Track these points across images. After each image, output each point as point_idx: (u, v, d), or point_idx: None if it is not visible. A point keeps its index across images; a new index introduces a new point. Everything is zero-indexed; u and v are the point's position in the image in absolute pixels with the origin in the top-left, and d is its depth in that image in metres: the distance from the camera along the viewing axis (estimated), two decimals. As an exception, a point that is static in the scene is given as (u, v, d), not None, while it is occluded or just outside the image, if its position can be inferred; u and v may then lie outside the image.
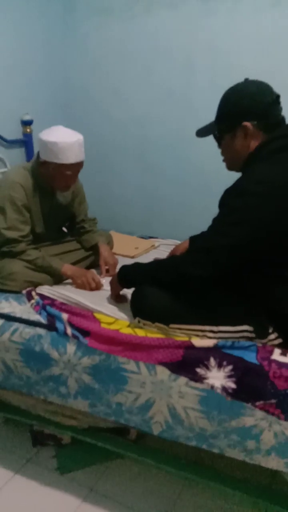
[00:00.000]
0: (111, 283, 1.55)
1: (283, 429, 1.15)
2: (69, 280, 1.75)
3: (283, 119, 1.29)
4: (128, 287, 1.47)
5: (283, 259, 1.23)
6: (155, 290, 1.32)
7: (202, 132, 1.39)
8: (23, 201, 1.70)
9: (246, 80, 1.31)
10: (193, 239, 1.65)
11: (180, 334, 1.29)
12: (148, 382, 1.25)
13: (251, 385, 1.16)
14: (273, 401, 1.14)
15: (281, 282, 1.24)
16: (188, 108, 2.49)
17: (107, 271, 1.85)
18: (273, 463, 1.19)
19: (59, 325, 1.38)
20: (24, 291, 1.61)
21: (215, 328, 1.28)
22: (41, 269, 1.70)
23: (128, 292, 1.48)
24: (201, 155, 2.46)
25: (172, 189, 2.72)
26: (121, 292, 1.54)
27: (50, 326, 1.40)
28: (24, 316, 1.45)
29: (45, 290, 1.63)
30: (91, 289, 1.68)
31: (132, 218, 2.88)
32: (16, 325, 1.44)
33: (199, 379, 1.20)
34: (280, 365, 1.17)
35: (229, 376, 1.18)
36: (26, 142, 2.55)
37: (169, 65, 2.48)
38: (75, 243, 2.00)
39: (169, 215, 2.78)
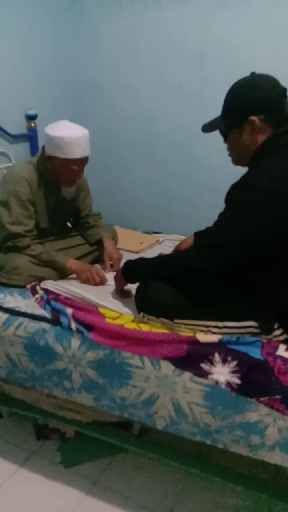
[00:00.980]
0: (116, 278, 1.54)
1: (288, 425, 1.15)
2: (74, 275, 1.75)
3: None
4: (133, 282, 1.47)
5: None
6: (159, 285, 1.31)
7: (208, 127, 1.37)
8: (28, 196, 1.70)
9: (253, 74, 1.29)
10: (197, 235, 1.64)
11: (185, 329, 1.29)
12: (153, 377, 1.25)
13: (256, 380, 1.16)
14: (277, 396, 1.14)
15: (287, 278, 1.24)
16: (199, 103, 2.47)
17: (112, 266, 1.85)
18: (277, 458, 1.19)
19: (63, 320, 1.39)
20: (28, 286, 1.61)
21: (220, 324, 1.27)
22: (46, 263, 1.70)
23: (132, 287, 1.48)
24: (211, 151, 2.44)
25: (181, 185, 2.70)
26: (126, 287, 1.54)
27: (55, 320, 1.40)
28: (29, 311, 1.46)
29: (49, 284, 1.63)
30: (96, 284, 1.68)
31: (140, 213, 2.87)
32: (20, 319, 1.44)
33: (204, 374, 1.20)
34: (285, 360, 1.17)
35: (234, 372, 1.18)
36: (30, 137, 2.55)
37: (180, 59, 2.46)
38: (79, 238, 2.00)
39: (177, 211, 2.76)
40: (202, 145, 2.48)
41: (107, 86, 2.74)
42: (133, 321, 1.35)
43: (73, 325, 1.36)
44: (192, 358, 1.22)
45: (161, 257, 1.49)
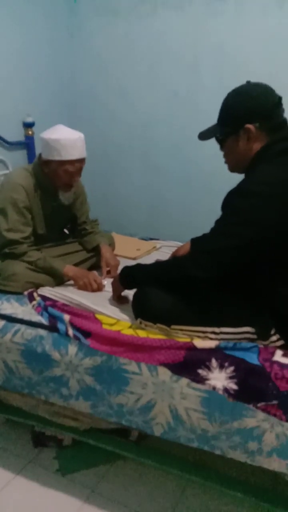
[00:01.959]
0: (113, 284, 1.55)
1: (285, 431, 1.15)
2: (71, 281, 1.75)
3: (285, 121, 1.29)
4: (130, 288, 1.47)
5: (287, 260, 1.22)
6: (157, 291, 1.32)
7: (204, 135, 1.39)
8: (25, 203, 1.71)
9: (248, 82, 1.31)
10: (194, 241, 1.65)
11: (182, 335, 1.29)
12: (150, 383, 1.25)
13: (253, 386, 1.16)
14: (274, 402, 1.14)
15: (285, 283, 1.24)
16: (193, 109, 2.49)
17: (109, 272, 1.85)
18: (275, 464, 1.19)
19: (60, 326, 1.39)
20: (25, 292, 1.61)
21: (217, 330, 1.27)
22: (43, 270, 1.70)
23: (129, 293, 1.48)
24: (206, 157, 2.46)
25: (177, 191, 2.72)
26: (123, 293, 1.54)
27: (52, 327, 1.40)
28: (26, 317, 1.46)
29: (46, 291, 1.63)
30: (93, 290, 1.68)
31: (136, 219, 2.88)
32: (17, 326, 1.44)
33: (201, 380, 1.20)
34: (282, 366, 1.17)
35: (231, 377, 1.18)
36: (28, 144, 2.56)
37: (174, 66, 2.48)
38: (76, 244, 2.00)
39: (173, 216, 2.77)
40: (198, 151, 2.50)
41: (103, 93, 2.77)
42: (130, 327, 1.35)
43: (70, 332, 1.36)
44: (189, 364, 1.22)
45: (158, 263, 1.49)
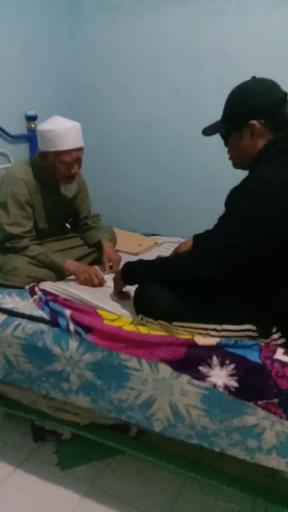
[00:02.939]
0: (115, 279, 1.54)
1: (285, 429, 1.14)
2: (72, 276, 1.75)
3: None
4: (132, 284, 1.47)
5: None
6: (158, 287, 1.31)
7: (208, 131, 1.38)
8: (26, 197, 1.70)
9: (254, 78, 1.29)
10: (197, 238, 1.64)
11: (183, 332, 1.29)
12: (150, 380, 1.25)
13: (254, 384, 1.16)
14: (275, 400, 1.14)
15: (286, 283, 1.24)
16: (195, 108, 2.48)
17: (110, 267, 1.85)
18: (274, 462, 1.19)
19: (61, 321, 1.38)
20: (27, 287, 1.61)
21: (218, 327, 1.27)
22: (44, 265, 1.69)
23: (131, 289, 1.48)
24: (207, 155, 2.46)
25: (177, 189, 2.71)
26: (125, 289, 1.54)
27: (53, 322, 1.40)
28: (27, 312, 1.45)
29: (48, 286, 1.63)
30: (94, 286, 1.68)
31: (137, 217, 2.88)
32: (18, 320, 1.44)
33: (202, 377, 1.20)
34: (283, 364, 1.17)
35: (232, 375, 1.18)
36: (30, 138, 2.55)
37: (176, 65, 2.47)
38: (78, 239, 2.00)
39: (174, 214, 2.77)
40: (199, 149, 2.50)
41: (104, 90, 2.76)
42: (131, 323, 1.35)
43: (71, 327, 1.36)
44: (190, 361, 1.22)
45: (160, 260, 1.49)
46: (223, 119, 1.34)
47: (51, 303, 1.46)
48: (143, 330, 1.30)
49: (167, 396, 1.24)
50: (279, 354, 1.21)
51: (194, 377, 1.21)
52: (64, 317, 1.39)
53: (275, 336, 1.28)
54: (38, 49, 2.51)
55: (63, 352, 1.35)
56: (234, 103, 1.30)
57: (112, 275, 1.60)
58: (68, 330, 1.36)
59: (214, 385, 1.18)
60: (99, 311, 1.42)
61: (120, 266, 1.53)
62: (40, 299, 1.50)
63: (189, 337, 1.26)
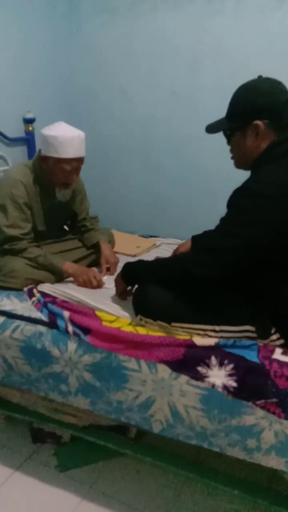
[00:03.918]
0: (116, 280, 1.54)
1: (284, 428, 1.15)
2: (71, 278, 1.75)
3: None
4: (131, 285, 1.47)
5: None
6: (157, 288, 1.31)
7: (212, 128, 1.35)
8: (24, 199, 1.70)
9: (260, 77, 1.27)
10: (195, 239, 1.64)
11: (182, 332, 1.29)
12: (149, 380, 1.26)
13: (252, 384, 1.17)
14: (274, 400, 1.14)
15: (287, 285, 1.24)
16: (192, 109, 2.49)
17: (108, 269, 1.85)
18: (273, 462, 1.19)
19: (60, 323, 1.38)
20: (25, 289, 1.61)
21: (217, 327, 1.27)
22: (43, 267, 1.69)
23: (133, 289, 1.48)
24: (205, 156, 2.46)
25: (175, 190, 2.72)
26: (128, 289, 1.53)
27: (52, 323, 1.40)
28: (26, 314, 1.45)
29: (46, 287, 1.63)
30: (93, 287, 1.68)
31: (135, 218, 2.88)
32: (17, 322, 1.44)
33: (200, 377, 1.20)
34: (281, 364, 1.18)
35: (230, 375, 1.19)
36: (28, 140, 2.55)
37: (174, 65, 2.48)
38: (76, 241, 2.00)
39: (172, 215, 2.78)
40: (197, 150, 2.50)
41: (102, 91, 2.76)
42: (130, 324, 1.35)
43: (70, 328, 1.36)
44: (189, 362, 1.22)
45: (160, 260, 1.49)
46: (227, 118, 1.32)
47: (49, 305, 1.46)
48: (141, 331, 1.30)
49: (166, 397, 1.25)
50: (278, 354, 1.22)
51: (193, 378, 1.21)
52: (62, 319, 1.39)
53: (274, 337, 1.28)
54: (36, 51, 2.51)
55: (61, 354, 1.35)
56: (239, 102, 1.28)
57: (111, 277, 1.60)
58: (66, 331, 1.36)
59: (213, 385, 1.19)
60: (97, 313, 1.42)
61: (118, 268, 1.53)
62: (39, 301, 1.51)
63: (187, 337, 1.26)
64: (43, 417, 1.53)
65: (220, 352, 1.22)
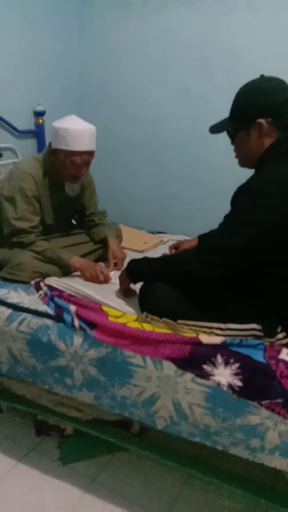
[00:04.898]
0: (120, 277, 1.54)
1: (288, 429, 1.14)
2: (78, 272, 1.75)
3: None
4: (136, 282, 1.47)
5: None
6: (163, 285, 1.31)
7: (215, 128, 1.37)
8: (34, 192, 1.70)
9: (262, 76, 1.28)
10: (202, 238, 1.63)
11: (188, 330, 1.28)
12: (154, 377, 1.25)
13: (258, 383, 1.16)
14: (279, 400, 1.13)
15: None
16: (203, 107, 2.47)
17: (115, 264, 1.85)
18: (276, 462, 1.19)
19: (66, 317, 1.39)
20: (32, 282, 1.61)
21: (223, 326, 1.27)
22: (50, 260, 1.70)
23: (137, 286, 1.48)
24: (215, 154, 2.45)
25: (184, 188, 2.71)
26: (132, 287, 1.53)
27: (58, 317, 1.40)
28: (32, 307, 1.46)
29: (53, 281, 1.63)
30: (100, 282, 1.68)
31: (143, 214, 2.88)
32: (24, 315, 1.44)
33: (206, 375, 1.20)
34: (288, 364, 1.17)
35: (236, 374, 1.18)
36: (38, 133, 2.55)
37: (185, 63, 2.47)
38: (84, 235, 2.00)
39: (180, 212, 2.77)
40: (206, 148, 2.49)
41: (112, 87, 2.76)
42: (136, 320, 1.35)
43: (76, 322, 1.36)
44: (195, 359, 1.22)
45: (164, 258, 1.48)
46: (230, 117, 1.34)
47: (56, 299, 1.46)
48: (147, 327, 1.30)
49: (170, 394, 1.24)
50: (284, 354, 1.21)
51: (198, 376, 1.20)
52: (69, 313, 1.39)
53: (280, 335, 1.27)
54: (47, 45, 2.51)
55: (67, 348, 1.35)
56: (242, 102, 1.29)
57: (117, 272, 1.60)
58: (73, 325, 1.36)
59: (218, 384, 1.18)
60: (104, 308, 1.42)
61: (125, 264, 1.53)
62: (46, 294, 1.51)
63: (193, 335, 1.26)
64: (47, 410, 1.54)
65: (226, 351, 1.22)
